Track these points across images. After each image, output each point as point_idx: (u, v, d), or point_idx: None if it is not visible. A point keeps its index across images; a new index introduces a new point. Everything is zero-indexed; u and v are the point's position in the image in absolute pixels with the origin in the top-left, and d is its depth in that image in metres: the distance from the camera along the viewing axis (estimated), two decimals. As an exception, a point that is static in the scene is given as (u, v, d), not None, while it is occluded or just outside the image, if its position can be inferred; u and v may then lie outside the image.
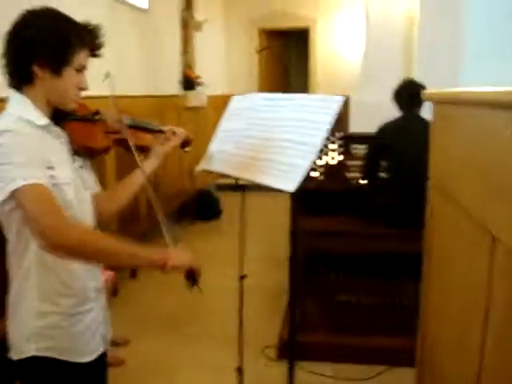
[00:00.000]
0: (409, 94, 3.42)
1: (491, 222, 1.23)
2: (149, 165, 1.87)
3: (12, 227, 1.49)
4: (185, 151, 2.04)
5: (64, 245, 1.36)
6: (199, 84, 7.30)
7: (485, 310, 1.25)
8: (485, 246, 1.25)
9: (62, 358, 1.56)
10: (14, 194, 1.37)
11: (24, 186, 1.36)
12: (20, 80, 1.51)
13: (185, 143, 1.99)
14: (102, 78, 1.72)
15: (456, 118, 1.55)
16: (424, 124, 3.26)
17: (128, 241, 1.49)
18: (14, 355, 1.57)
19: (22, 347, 1.55)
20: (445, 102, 1.73)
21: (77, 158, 1.62)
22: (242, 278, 2.35)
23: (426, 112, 3.29)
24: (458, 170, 1.51)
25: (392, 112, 3.72)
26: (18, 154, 1.38)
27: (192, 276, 1.60)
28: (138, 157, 1.75)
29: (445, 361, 1.63)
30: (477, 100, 1.38)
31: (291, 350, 2.22)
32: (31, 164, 1.40)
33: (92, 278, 1.66)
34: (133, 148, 1.73)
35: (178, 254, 1.56)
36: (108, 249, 1.44)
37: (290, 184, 1.72)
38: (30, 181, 1.37)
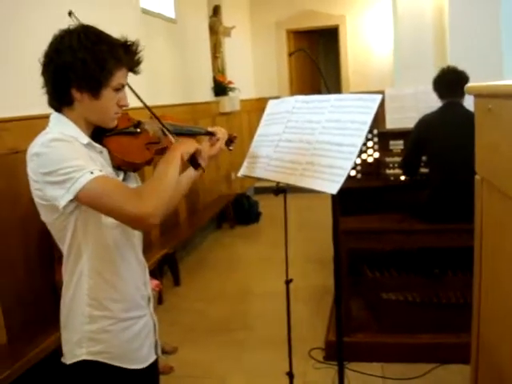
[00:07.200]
0: (448, 82, 3.30)
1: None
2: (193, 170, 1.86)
3: (66, 234, 1.51)
4: (229, 149, 1.99)
5: (152, 213, 1.40)
6: (231, 89, 7.35)
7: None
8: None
9: (112, 363, 1.58)
10: (78, 194, 1.38)
11: (91, 180, 1.37)
12: (59, 102, 1.52)
13: (229, 141, 1.95)
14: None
15: (506, 111, 1.50)
16: (466, 115, 3.15)
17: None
18: (67, 360, 1.61)
19: (74, 351, 1.58)
20: (487, 96, 1.68)
21: (120, 171, 1.62)
22: (288, 282, 2.33)
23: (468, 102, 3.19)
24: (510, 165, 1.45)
25: (428, 105, 3.65)
26: (72, 156, 1.39)
27: (194, 160, 1.68)
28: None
29: (504, 359, 1.58)
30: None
31: (339, 351, 2.20)
32: (87, 162, 1.41)
33: (141, 283, 1.68)
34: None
35: (182, 142, 1.65)
36: (164, 182, 1.49)
37: (333, 186, 1.71)
38: (96, 174, 1.38)
